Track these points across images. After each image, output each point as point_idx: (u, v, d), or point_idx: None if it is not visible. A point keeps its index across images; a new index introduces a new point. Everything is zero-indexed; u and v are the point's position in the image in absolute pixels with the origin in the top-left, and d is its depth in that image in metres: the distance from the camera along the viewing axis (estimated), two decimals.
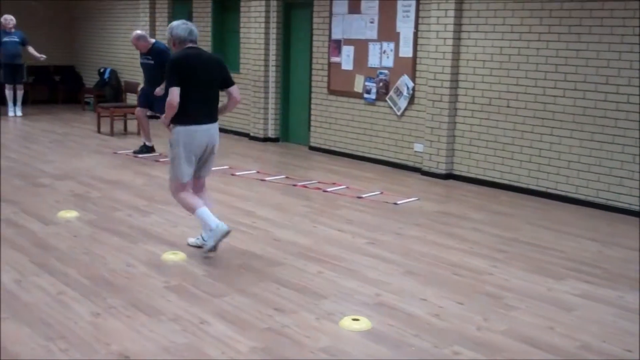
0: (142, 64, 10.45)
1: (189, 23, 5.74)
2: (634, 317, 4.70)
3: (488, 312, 4.68)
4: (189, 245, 5.92)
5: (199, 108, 5.65)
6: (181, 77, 5.51)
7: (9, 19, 13.88)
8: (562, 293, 5.11)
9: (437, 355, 4.01)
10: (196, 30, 5.75)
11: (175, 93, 5.47)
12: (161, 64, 9.95)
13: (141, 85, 10.89)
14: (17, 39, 13.93)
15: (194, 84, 5.57)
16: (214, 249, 5.65)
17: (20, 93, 14.36)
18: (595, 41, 7.68)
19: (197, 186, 5.96)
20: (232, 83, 5.93)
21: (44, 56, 14.03)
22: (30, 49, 14.01)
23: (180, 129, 5.62)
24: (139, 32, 10.38)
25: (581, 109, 7.86)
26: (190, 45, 5.68)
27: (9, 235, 6.10)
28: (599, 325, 4.54)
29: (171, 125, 5.67)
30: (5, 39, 13.86)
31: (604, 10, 7.59)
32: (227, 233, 5.61)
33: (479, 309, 4.73)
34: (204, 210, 5.63)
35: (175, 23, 5.73)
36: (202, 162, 5.84)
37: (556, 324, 4.52)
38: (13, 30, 13.93)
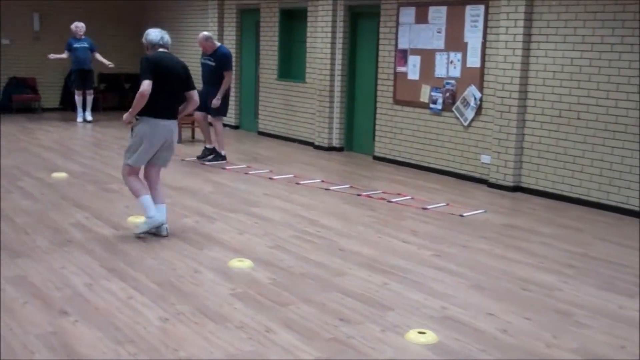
0: (203, 64, 10.61)
1: (162, 31, 6.71)
2: None
3: (557, 329, 4.59)
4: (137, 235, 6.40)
5: (165, 105, 6.36)
6: (154, 74, 6.22)
7: (80, 27, 14.30)
8: (634, 311, 4.98)
9: None
10: (168, 37, 6.72)
11: (148, 85, 6.15)
12: (221, 67, 10.42)
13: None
14: (86, 45, 14.38)
15: (163, 82, 6.29)
16: (142, 234, 6.34)
17: (90, 98, 14.77)
18: None
19: (153, 175, 6.57)
20: (193, 87, 6.68)
21: (112, 64, 14.41)
22: (98, 56, 14.42)
23: (147, 120, 6.27)
24: (207, 33, 10.68)
25: None
26: (161, 49, 6.54)
27: (80, 240, 6.26)
28: None
29: (136, 117, 6.34)
30: (76, 45, 14.30)
31: None
32: (160, 225, 6.35)
33: (548, 326, 4.64)
34: (147, 198, 6.35)
35: (150, 30, 6.69)
36: (159, 153, 6.45)
37: (628, 343, 4.40)
38: (83, 37, 14.35)
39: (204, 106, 10.21)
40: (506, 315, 4.79)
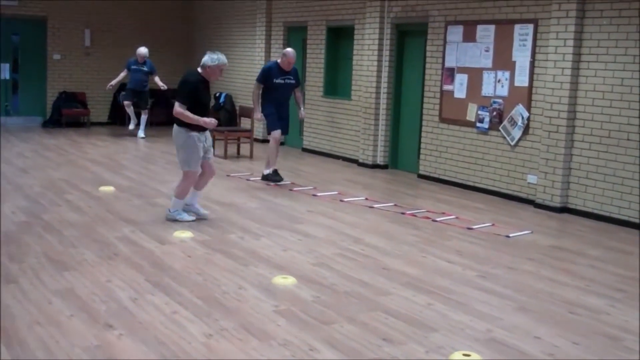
0: (283, 85, 10.12)
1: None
2: None
3: (606, 354, 4.49)
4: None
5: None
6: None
7: (142, 54, 14.54)
8: None
9: None
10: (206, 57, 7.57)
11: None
12: (298, 84, 10.37)
13: (261, 108, 10.27)
14: (146, 69, 14.66)
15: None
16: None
17: (144, 117, 15.02)
18: None
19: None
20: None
21: (165, 86, 14.66)
22: (157, 79, 14.66)
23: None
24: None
25: None
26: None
27: (127, 253, 6.33)
28: None
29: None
30: (134, 67, 14.57)
31: None
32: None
33: (597, 351, 4.55)
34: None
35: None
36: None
37: None
38: (145, 60, 14.64)
39: (286, 126, 10.38)
40: (553, 338, 4.70)
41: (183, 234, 7.01)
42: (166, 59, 17.11)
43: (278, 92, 10.11)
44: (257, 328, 4.69)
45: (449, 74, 10.54)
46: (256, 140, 14.11)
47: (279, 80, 10.06)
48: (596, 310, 5.34)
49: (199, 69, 7.53)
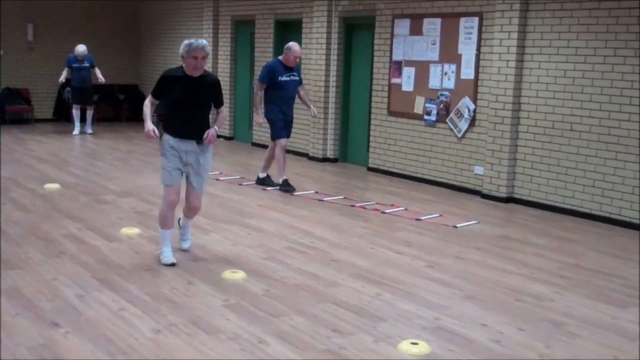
0: (288, 82, 9.25)
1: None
2: None
3: (550, 340, 4.59)
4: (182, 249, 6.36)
5: None
6: None
7: (80, 52, 14.32)
8: (626, 322, 4.98)
9: None
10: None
11: None
12: (301, 80, 9.55)
13: (265, 111, 9.45)
14: (87, 64, 14.45)
15: None
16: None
17: (90, 113, 14.82)
18: None
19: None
20: None
21: (104, 79, 14.46)
22: (97, 71, 14.45)
23: None
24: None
25: None
26: None
27: (73, 251, 6.24)
28: None
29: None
30: (75, 64, 14.36)
31: None
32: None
33: (541, 336, 4.64)
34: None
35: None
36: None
37: (620, 353, 4.41)
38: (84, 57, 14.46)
39: (291, 128, 9.56)
40: (499, 325, 4.79)
41: (130, 231, 6.94)
42: (112, 54, 16.89)
43: (283, 90, 9.19)
44: (206, 322, 4.67)
45: (397, 67, 10.62)
46: None
47: (284, 78, 9.15)
48: (541, 297, 5.45)
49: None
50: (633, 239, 7.45)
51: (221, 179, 10.03)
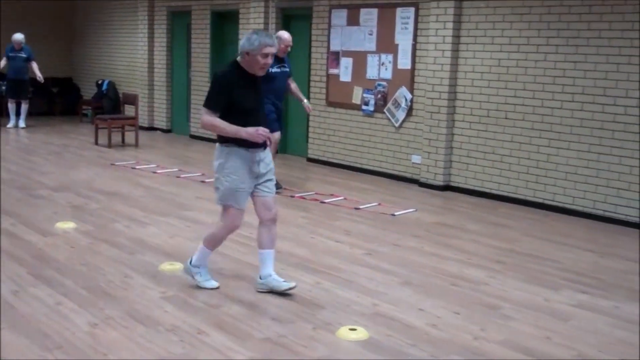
0: (280, 74, 8.58)
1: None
2: (630, 326, 4.71)
3: (485, 322, 4.68)
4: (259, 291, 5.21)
5: None
6: None
7: (18, 40, 14.00)
8: (559, 303, 5.12)
9: None
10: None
11: None
12: (291, 72, 8.91)
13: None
14: (24, 55, 14.12)
15: None
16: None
17: (25, 107, 14.47)
18: (593, 53, 7.71)
19: None
20: None
21: (42, 78, 14.16)
22: (34, 66, 14.15)
23: None
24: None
25: (579, 121, 7.89)
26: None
27: (7, 247, 6.09)
28: (596, 335, 4.55)
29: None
30: (12, 54, 14.04)
31: (602, 22, 7.63)
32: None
33: (476, 319, 4.73)
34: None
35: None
36: None
37: (553, 334, 4.52)
38: (22, 46, 14.11)
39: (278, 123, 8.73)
40: (436, 310, 4.87)
41: (66, 225, 6.81)
42: (46, 47, 16.48)
43: (274, 83, 8.47)
44: (144, 315, 4.63)
45: (335, 58, 10.65)
46: (141, 128, 13.85)
47: (275, 70, 8.39)
48: (476, 281, 5.56)
49: (238, 58, 4.99)
50: (566, 223, 7.65)
51: (159, 171, 9.93)
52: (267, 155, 5.10)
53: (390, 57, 9.85)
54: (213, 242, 5.20)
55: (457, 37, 8.96)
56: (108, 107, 15.29)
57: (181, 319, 4.57)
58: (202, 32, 13.32)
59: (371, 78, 10.12)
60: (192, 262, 5.22)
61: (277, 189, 8.49)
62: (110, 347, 4.12)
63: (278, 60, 8.46)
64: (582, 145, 7.87)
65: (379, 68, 10.01)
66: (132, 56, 15.24)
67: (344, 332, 4.39)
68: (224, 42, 13.17)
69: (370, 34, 10.10)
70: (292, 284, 5.10)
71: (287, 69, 8.70)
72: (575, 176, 7.95)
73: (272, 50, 4.85)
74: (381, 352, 4.18)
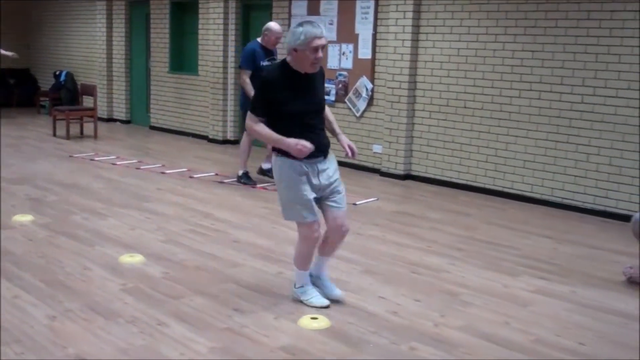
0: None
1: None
2: (586, 311, 4.80)
3: (445, 309, 4.73)
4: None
5: None
6: None
7: None
8: (518, 289, 5.19)
9: (394, 352, 4.04)
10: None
11: None
12: None
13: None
14: None
15: None
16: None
17: None
18: (551, 42, 7.81)
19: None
20: None
21: (10, 55, 13.70)
22: (2, 51, 13.74)
23: None
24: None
25: (536, 109, 7.98)
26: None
27: None
28: (553, 319, 4.62)
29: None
30: None
31: (559, 12, 7.73)
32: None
33: (436, 306, 4.78)
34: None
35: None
36: None
37: (511, 319, 4.59)
38: None
39: None
40: (396, 297, 4.90)
41: (23, 218, 6.71)
42: (4, 40, 16.11)
43: None
44: (104, 307, 4.59)
45: None
46: (100, 119, 13.70)
47: (265, 63, 8.36)
48: (437, 269, 5.61)
49: (288, 58, 4.48)
50: (524, 211, 7.75)
51: (118, 163, 9.83)
52: (329, 164, 4.62)
53: (350, 46, 9.86)
54: (301, 261, 4.71)
55: (416, 26, 9.00)
56: (66, 99, 15.07)
57: (141, 311, 4.54)
58: (161, 22, 13.18)
59: (332, 68, 10.12)
60: (295, 285, 4.79)
61: (247, 183, 8.57)
62: (69, 340, 4.07)
63: (267, 52, 8.44)
64: (540, 134, 7.97)
65: (339, 58, 10.02)
66: (90, 47, 15.04)
67: (306, 321, 4.40)
68: (183, 33, 13.06)
69: (331, 24, 10.10)
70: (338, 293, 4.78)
71: (277, 62, 8.46)
72: (534, 164, 8.06)
73: (323, 42, 4.32)
74: (343, 339, 4.19)
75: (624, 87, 7.30)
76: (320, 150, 4.51)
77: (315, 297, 4.69)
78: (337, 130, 4.75)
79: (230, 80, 11.82)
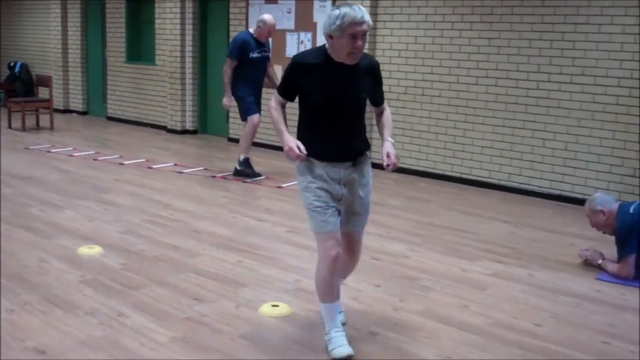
0: (260, 60, 8.35)
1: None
2: (543, 293, 4.88)
3: (405, 294, 4.77)
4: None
5: None
6: None
7: None
8: (476, 273, 5.26)
9: (355, 337, 4.06)
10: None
11: None
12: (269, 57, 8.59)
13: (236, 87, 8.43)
14: None
15: None
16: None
17: None
18: (507, 29, 7.89)
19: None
20: None
21: None
22: None
23: None
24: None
25: (493, 96, 8.07)
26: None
27: None
28: (511, 302, 4.69)
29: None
30: None
31: (515, 0, 7.82)
32: None
33: (396, 291, 4.82)
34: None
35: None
36: None
37: (470, 303, 4.65)
38: None
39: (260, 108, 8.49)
40: (357, 283, 4.92)
41: None
42: None
43: (254, 68, 8.28)
44: (62, 299, 4.54)
45: None
46: (56, 110, 13.50)
47: (255, 55, 8.22)
48: (396, 254, 5.65)
49: (327, 45, 3.77)
50: (482, 196, 7.85)
51: (75, 154, 9.71)
52: (358, 176, 3.99)
53: (309, 35, 9.85)
54: (320, 291, 3.88)
55: (374, 14, 9.02)
56: (21, 90, 14.82)
57: (100, 302, 4.50)
58: (117, 11, 13.02)
59: (290, 56, 10.09)
60: (325, 331, 3.94)
61: (247, 174, 8.43)
62: (28, 333, 4.02)
63: (259, 44, 8.33)
64: (497, 120, 8.06)
65: (298, 46, 10.00)
66: (45, 37, 14.80)
67: (267, 309, 4.41)
68: (140, 22, 12.92)
69: (289, 12, 10.07)
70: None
71: (268, 54, 8.48)
72: (491, 150, 8.15)
73: (364, 28, 3.63)
74: (303, 326, 4.21)
75: (579, 72, 7.42)
76: (346, 156, 3.87)
77: (337, 349, 3.79)
78: (386, 136, 4.06)
79: (189, 69, 11.73)
